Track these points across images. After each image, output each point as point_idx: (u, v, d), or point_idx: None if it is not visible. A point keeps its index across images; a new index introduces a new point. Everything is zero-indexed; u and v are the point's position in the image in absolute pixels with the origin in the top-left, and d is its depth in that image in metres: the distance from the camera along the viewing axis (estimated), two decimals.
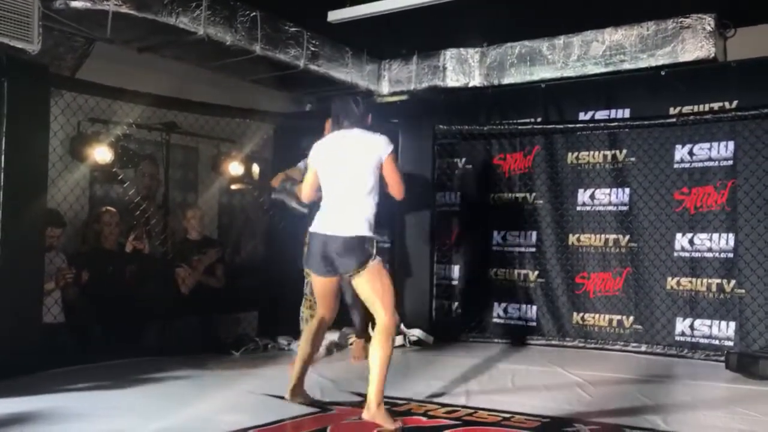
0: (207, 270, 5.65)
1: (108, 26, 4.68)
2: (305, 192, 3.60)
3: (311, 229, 3.40)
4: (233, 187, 6.44)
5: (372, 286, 3.29)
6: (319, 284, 3.47)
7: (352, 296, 4.37)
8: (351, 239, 3.25)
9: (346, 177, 3.34)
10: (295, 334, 5.48)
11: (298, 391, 3.54)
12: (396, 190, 3.43)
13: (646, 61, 5.66)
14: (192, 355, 4.87)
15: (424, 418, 3.31)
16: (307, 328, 3.64)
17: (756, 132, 5.04)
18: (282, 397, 3.58)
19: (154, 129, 5.53)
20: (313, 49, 6.00)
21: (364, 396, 3.62)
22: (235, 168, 5.96)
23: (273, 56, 5.66)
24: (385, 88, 6.89)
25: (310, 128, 6.85)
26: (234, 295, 5.90)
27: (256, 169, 6.11)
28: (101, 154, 5.06)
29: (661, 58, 5.60)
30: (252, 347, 5.14)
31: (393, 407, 3.47)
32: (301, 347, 3.57)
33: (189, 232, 5.77)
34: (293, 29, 5.81)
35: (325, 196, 3.42)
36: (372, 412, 3.19)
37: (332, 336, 5.39)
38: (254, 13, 5.44)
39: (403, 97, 6.84)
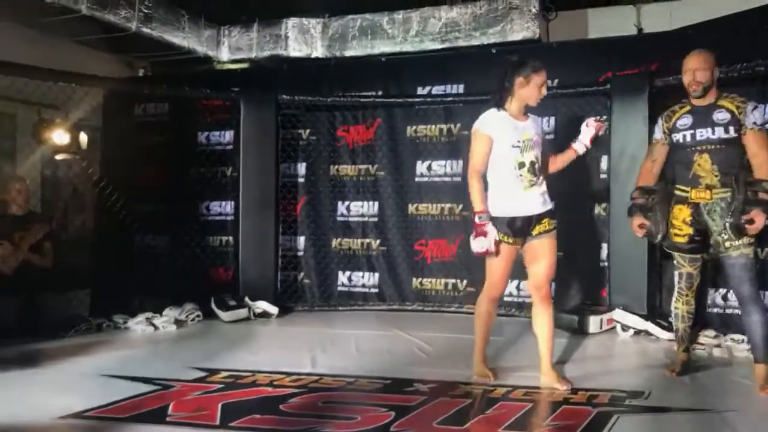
0: (32, 247, 5.21)
1: None
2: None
3: None
4: (58, 157, 5.95)
5: None
6: None
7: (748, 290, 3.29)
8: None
9: None
10: (132, 311, 5.26)
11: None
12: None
13: (478, 39, 5.99)
14: (16, 339, 4.49)
15: (269, 388, 3.34)
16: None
17: (573, 108, 5.51)
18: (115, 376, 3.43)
19: None
20: (146, 11, 5.68)
21: (210, 371, 3.59)
22: (59, 136, 5.51)
23: (101, 17, 5.31)
24: (224, 54, 6.69)
25: (143, 94, 6.57)
26: (63, 273, 5.50)
27: (83, 137, 5.69)
28: None
29: (492, 36, 5.96)
30: (84, 328, 4.84)
31: (237, 380, 3.47)
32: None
33: (10, 206, 5.27)
34: None
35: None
36: (543, 377, 3.47)
37: (174, 312, 5.21)
38: None
39: (245, 65, 6.68)
